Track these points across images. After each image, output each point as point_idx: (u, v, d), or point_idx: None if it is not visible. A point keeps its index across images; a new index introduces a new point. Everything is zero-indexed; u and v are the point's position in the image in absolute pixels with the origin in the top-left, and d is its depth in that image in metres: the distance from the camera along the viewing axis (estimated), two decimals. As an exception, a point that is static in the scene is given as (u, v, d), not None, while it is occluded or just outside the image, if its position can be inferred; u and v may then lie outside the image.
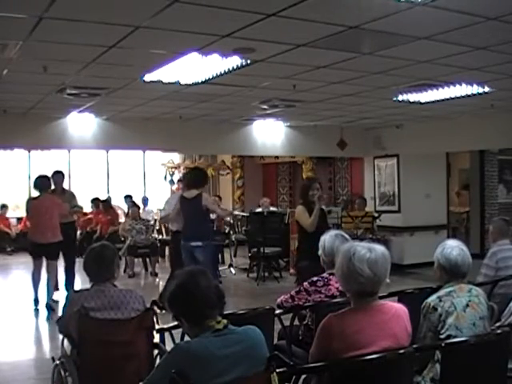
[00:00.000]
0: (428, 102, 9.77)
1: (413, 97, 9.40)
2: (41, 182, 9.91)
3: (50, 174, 10.28)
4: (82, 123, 11.49)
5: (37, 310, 9.65)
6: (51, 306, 9.55)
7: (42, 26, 5.27)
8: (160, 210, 13.50)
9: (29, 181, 16.88)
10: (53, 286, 9.98)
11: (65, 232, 9.97)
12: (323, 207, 7.95)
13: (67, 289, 10.16)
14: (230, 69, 7.24)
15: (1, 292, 11.76)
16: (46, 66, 6.87)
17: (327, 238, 5.05)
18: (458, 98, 9.24)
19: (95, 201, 16.57)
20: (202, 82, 8.04)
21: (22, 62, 6.71)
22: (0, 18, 5.11)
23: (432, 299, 4.10)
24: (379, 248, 3.49)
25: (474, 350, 3.75)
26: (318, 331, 3.52)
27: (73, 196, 10.75)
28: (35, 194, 10.17)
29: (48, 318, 9.25)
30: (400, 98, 9.49)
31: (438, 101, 9.58)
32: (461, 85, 8.47)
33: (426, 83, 8.34)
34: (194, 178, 9.49)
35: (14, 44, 5.95)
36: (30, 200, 10.21)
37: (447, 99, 9.41)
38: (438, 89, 8.72)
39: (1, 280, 13.82)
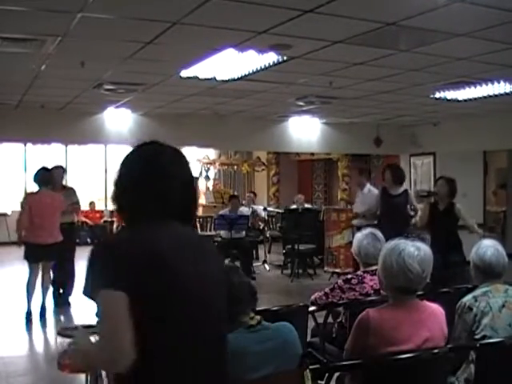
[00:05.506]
0: (466, 100, 9.66)
1: (450, 94, 9.30)
2: (42, 176, 8.90)
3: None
4: (118, 118, 11.61)
5: (29, 324, 8.49)
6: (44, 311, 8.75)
7: (80, 21, 5.32)
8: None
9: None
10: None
11: (66, 234, 9.00)
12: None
13: (65, 301, 9.39)
14: (267, 65, 7.25)
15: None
16: (83, 61, 6.93)
17: (358, 237, 5.02)
18: (496, 95, 9.13)
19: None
20: (238, 79, 8.05)
21: (59, 57, 6.79)
22: (39, 14, 5.18)
23: (467, 299, 4.06)
24: (424, 247, 3.48)
25: (510, 351, 3.70)
26: (354, 325, 3.50)
27: (73, 192, 9.82)
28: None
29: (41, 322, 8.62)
30: (437, 95, 9.41)
31: (475, 98, 9.46)
32: (499, 82, 8.37)
33: (463, 81, 8.25)
34: (401, 174, 9.64)
35: (52, 40, 6.02)
36: (29, 195, 9.19)
37: (485, 97, 9.29)
38: (475, 86, 8.63)
39: None
